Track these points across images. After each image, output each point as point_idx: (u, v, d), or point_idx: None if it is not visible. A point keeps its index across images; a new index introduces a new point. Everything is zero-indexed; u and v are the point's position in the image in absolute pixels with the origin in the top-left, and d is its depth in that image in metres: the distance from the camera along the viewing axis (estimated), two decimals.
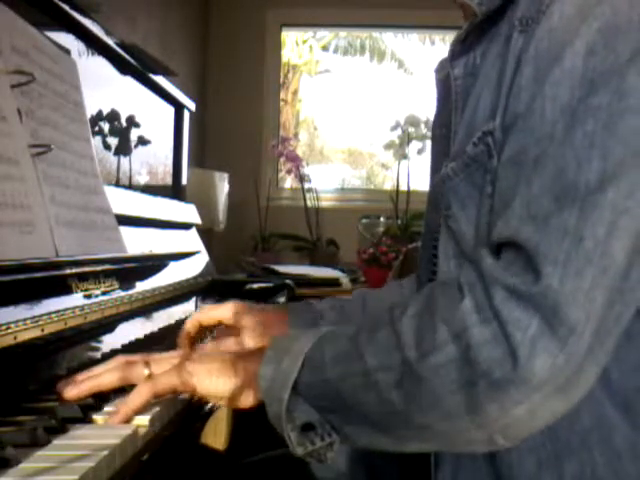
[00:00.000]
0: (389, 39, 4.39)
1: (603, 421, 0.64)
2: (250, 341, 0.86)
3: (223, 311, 0.88)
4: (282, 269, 2.23)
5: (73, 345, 0.86)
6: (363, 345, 0.62)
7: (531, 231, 0.57)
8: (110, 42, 1.26)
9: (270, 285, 1.67)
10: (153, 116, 1.60)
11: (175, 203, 1.64)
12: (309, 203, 2.92)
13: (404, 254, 2.07)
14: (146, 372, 0.71)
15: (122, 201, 1.20)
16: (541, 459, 0.65)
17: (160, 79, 1.55)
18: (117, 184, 1.35)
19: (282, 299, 1.60)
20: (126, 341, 0.96)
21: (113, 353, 0.86)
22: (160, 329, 1.09)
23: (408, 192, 2.75)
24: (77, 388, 0.69)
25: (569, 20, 0.60)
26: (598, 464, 0.64)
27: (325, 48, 4.44)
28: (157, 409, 0.67)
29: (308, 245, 2.93)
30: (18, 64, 0.89)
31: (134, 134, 1.46)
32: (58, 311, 0.79)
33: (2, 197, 0.77)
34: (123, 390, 0.71)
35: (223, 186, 2.61)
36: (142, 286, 1.12)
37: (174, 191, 1.75)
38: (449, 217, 0.71)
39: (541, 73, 0.61)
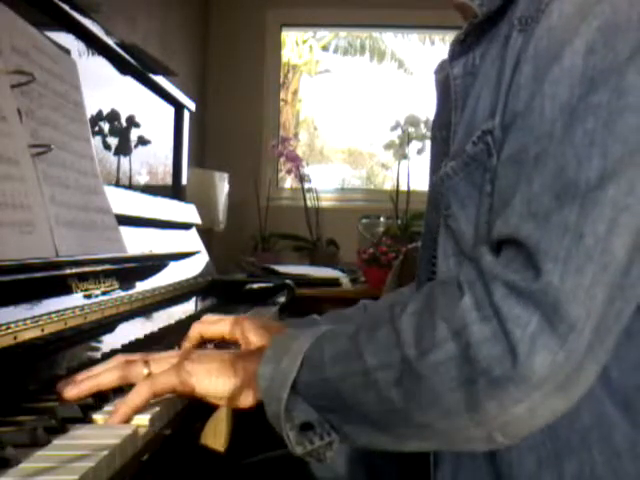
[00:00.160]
0: (389, 39, 4.39)
1: (603, 420, 0.64)
2: (253, 342, 0.85)
3: (224, 326, 0.86)
4: (282, 269, 2.23)
5: (73, 345, 0.86)
6: (362, 344, 0.62)
7: (531, 228, 0.57)
8: (110, 42, 1.26)
9: (270, 285, 1.67)
10: (153, 116, 1.60)
11: (175, 203, 1.64)
12: (309, 203, 2.92)
13: (404, 254, 2.07)
14: (145, 371, 0.71)
15: (122, 201, 1.20)
16: (541, 458, 0.65)
17: (160, 79, 1.55)
18: (117, 184, 1.35)
19: (282, 299, 1.60)
20: (126, 341, 0.96)
21: (113, 353, 0.85)
22: (160, 329, 1.09)
23: (408, 192, 2.75)
24: (77, 388, 0.69)
25: (568, 19, 0.60)
26: (597, 463, 0.64)
27: (325, 48, 4.45)
28: (157, 409, 0.67)
29: (308, 245, 2.93)
30: (18, 64, 0.89)
31: (134, 134, 1.46)
32: (58, 311, 0.80)
33: (2, 197, 0.77)
34: (123, 390, 0.70)
35: (223, 186, 2.61)
36: (142, 286, 1.12)
37: (174, 191, 1.75)
38: (449, 216, 0.71)
39: (540, 72, 0.61)
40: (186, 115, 1.78)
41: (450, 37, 3.02)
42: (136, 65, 1.39)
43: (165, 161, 1.73)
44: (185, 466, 0.79)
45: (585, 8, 0.60)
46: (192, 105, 1.79)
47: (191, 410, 0.76)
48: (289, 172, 2.91)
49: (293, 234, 2.94)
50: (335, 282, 2.31)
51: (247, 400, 0.68)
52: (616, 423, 0.64)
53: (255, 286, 1.66)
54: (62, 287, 0.85)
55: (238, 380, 0.68)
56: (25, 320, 0.72)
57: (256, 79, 3.15)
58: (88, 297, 0.89)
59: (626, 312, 0.58)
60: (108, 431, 0.61)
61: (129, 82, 1.42)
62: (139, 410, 0.66)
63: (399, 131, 2.76)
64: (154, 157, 1.63)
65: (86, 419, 0.64)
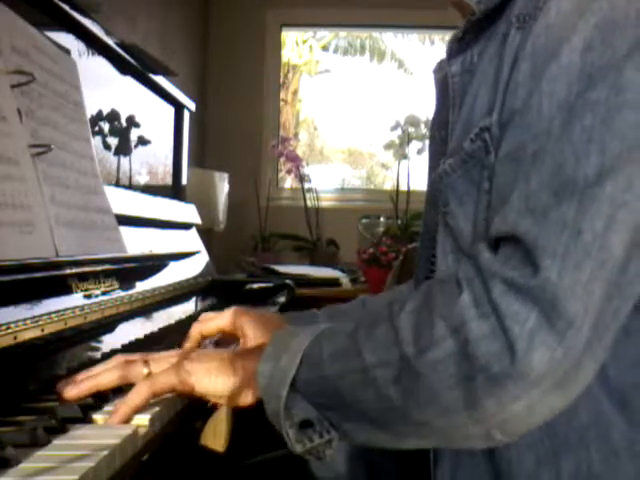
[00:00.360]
0: (389, 39, 4.39)
1: (601, 418, 0.64)
2: (251, 342, 0.85)
3: (222, 319, 0.87)
4: (282, 269, 2.23)
5: (73, 345, 0.86)
6: (361, 341, 0.62)
7: (529, 224, 0.57)
8: (110, 42, 1.26)
9: (270, 285, 1.67)
10: (153, 116, 1.60)
11: (175, 203, 1.64)
12: (309, 203, 2.92)
13: (404, 254, 2.07)
14: (145, 371, 0.71)
15: (122, 201, 1.20)
16: (539, 456, 0.65)
17: (160, 79, 1.55)
18: (117, 184, 1.35)
19: (282, 299, 1.60)
20: (126, 341, 0.96)
21: (113, 353, 0.85)
22: (160, 329, 1.09)
23: (408, 192, 2.75)
24: (77, 388, 0.69)
25: (566, 16, 0.60)
26: (595, 461, 0.64)
27: (325, 48, 4.44)
28: (157, 409, 0.67)
29: (308, 245, 2.93)
30: (18, 64, 0.89)
31: (134, 134, 1.47)
32: (58, 311, 0.80)
33: (2, 197, 0.77)
34: (123, 390, 0.70)
35: (223, 186, 2.61)
36: (142, 286, 1.12)
37: (174, 191, 1.75)
38: (447, 213, 0.71)
39: (538, 69, 0.61)
40: (186, 115, 1.78)
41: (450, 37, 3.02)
42: (136, 65, 1.39)
43: (165, 161, 1.73)
44: (185, 466, 0.79)
45: (583, 5, 0.60)
46: (192, 105, 1.79)
47: (191, 410, 0.76)
48: (289, 172, 2.91)
49: (293, 234, 2.94)
50: (335, 282, 2.31)
51: (247, 398, 0.68)
52: (614, 421, 0.64)
53: (255, 286, 1.66)
54: (62, 287, 0.85)
55: (237, 378, 0.68)
56: (25, 320, 0.72)
57: (256, 79, 3.15)
58: (88, 297, 0.89)
59: (624, 309, 0.58)
60: (108, 431, 0.61)
61: (129, 82, 1.42)
62: (139, 410, 0.66)
63: (399, 131, 2.76)
64: (154, 157, 1.63)
65: (86, 419, 0.64)
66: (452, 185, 0.70)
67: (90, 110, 1.15)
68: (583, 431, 0.64)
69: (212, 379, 0.68)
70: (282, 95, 3.57)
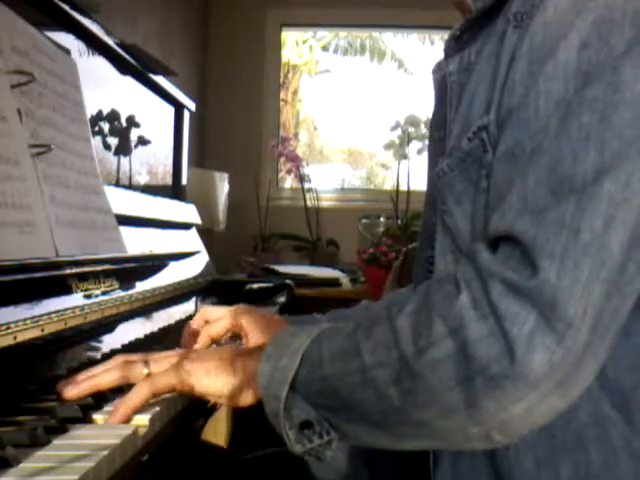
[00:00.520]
0: (389, 39, 4.39)
1: (600, 419, 0.64)
2: (252, 341, 0.86)
3: (226, 319, 0.88)
4: (282, 269, 2.23)
5: (73, 345, 0.86)
6: (361, 342, 0.61)
7: (527, 224, 0.56)
8: (110, 42, 1.26)
9: (270, 285, 1.67)
10: (153, 116, 1.60)
11: (175, 203, 1.64)
12: (309, 203, 2.92)
13: (404, 254, 2.07)
14: (145, 371, 0.71)
15: (122, 201, 1.20)
16: (538, 457, 0.65)
17: (160, 79, 1.55)
18: (117, 184, 1.35)
19: (282, 299, 1.60)
20: (126, 341, 0.96)
21: (113, 353, 0.86)
22: (160, 329, 1.09)
23: (408, 192, 2.75)
24: (77, 388, 0.69)
25: (564, 14, 0.60)
26: (594, 462, 0.64)
27: (325, 48, 4.44)
28: (157, 409, 0.67)
29: (308, 245, 2.93)
30: (18, 64, 0.89)
31: (134, 134, 1.46)
32: (58, 311, 0.79)
33: (2, 197, 0.77)
34: (123, 390, 0.70)
35: (223, 186, 2.61)
36: (142, 286, 1.12)
37: (174, 191, 1.75)
38: (445, 213, 0.71)
39: (535, 67, 0.61)
40: (186, 115, 1.78)
41: None
42: (136, 65, 1.39)
43: (165, 161, 1.73)
44: (185, 466, 0.79)
45: (580, 3, 0.60)
46: (192, 105, 1.79)
47: (191, 410, 0.76)
48: (289, 172, 2.91)
49: (293, 234, 2.94)
50: (335, 282, 2.31)
51: (247, 398, 0.68)
52: (613, 422, 0.64)
53: (255, 286, 1.66)
54: (62, 287, 0.85)
55: (237, 378, 0.68)
56: (25, 320, 0.72)
57: (256, 79, 3.15)
58: (88, 297, 0.89)
59: (624, 309, 0.58)
60: (108, 431, 0.61)
61: (129, 82, 1.42)
62: (139, 410, 0.66)
63: (399, 131, 2.76)
64: (154, 157, 1.63)
65: (86, 419, 0.64)
66: (450, 184, 0.70)
67: (90, 110, 1.15)
68: (582, 432, 0.64)
69: (212, 379, 0.68)
70: (282, 95, 3.57)
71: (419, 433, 0.61)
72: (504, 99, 0.64)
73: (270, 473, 0.94)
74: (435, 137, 0.80)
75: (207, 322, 0.91)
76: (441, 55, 0.80)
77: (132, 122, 1.44)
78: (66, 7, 1.08)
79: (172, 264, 1.37)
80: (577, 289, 0.54)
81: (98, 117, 1.25)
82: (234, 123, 3.09)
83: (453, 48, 0.76)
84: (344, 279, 2.36)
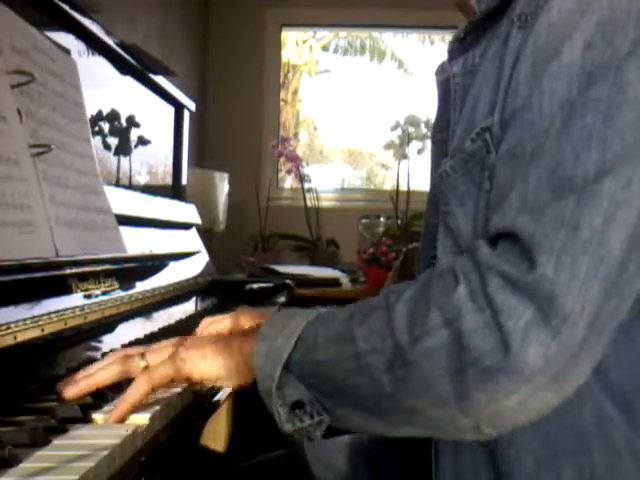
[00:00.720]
0: (389, 39, 4.39)
1: (602, 420, 0.64)
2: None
3: (229, 320, 0.88)
4: (282, 269, 2.23)
5: (73, 345, 0.86)
6: (356, 328, 0.61)
7: (527, 221, 0.56)
8: (110, 42, 1.26)
9: (270, 285, 1.67)
10: (153, 116, 1.60)
11: (175, 203, 1.64)
12: (309, 203, 2.91)
13: (404, 254, 2.07)
14: (142, 364, 0.71)
15: (122, 201, 1.20)
16: (539, 457, 0.65)
17: (160, 79, 1.55)
18: (117, 184, 1.35)
19: (282, 299, 1.60)
20: (126, 341, 0.96)
21: None
22: (160, 329, 1.09)
23: (408, 192, 2.74)
24: (76, 388, 0.69)
25: (568, 15, 0.60)
26: (597, 463, 0.64)
27: (325, 48, 4.44)
28: (157, 409, 0.67)
29: (308, 245, 2.92)
30: (18, 64, 0.89)
31: (134, 134, 1.46)
32: (58, 311, 0.79)
33: (2, 197, 0.77)
34: (122, 387, 0.70)
35: (223, 186, 2.61)
36: (142, 286, 1.12)
37: (174, 191, 1.75)
38: (447, 214, 0.71)
39: (539, 68, 0.61)
40: (186, 115, 1.78)
41: (450, 37, 3.02)
42: (136, 65, 1.39)
43: (165, 161, 1.73)
44: (185, 466, 0.79)
45: (584, 4, 0.60)
46: (192, 105, 1.79)
47: (191, 410, 0.76)
48: (289, 172, 2.91)
49: (293, 234, 2.94)
50: (335, 282, 2.31)
51: (244, 379, 0.68)
52: (615, 423, 0.64)
53: (255, 286, 1.66)
54: (62, 287, 0.85)
55: (234, 360, 0.68)
56: (25, 320, 0.72)
57: (256, 79, 3.14)
58: (88, 297, 0.89)
59: (622, 309, 0.58)
60: (108, 431, 0.61)
61: (129, 82, 1.42)
62: (139, 405, 0.66)
63: (399, 131, 2.76)
64: (154, 157, 1.63)
65: (86, 419, 0.64)
66: (453, 185, 0.70)
67: (90, 110, 1.15)
68: (584, 433, 0.64)
69: (208, 363, 0.69)
70: (282, 95, 3.57)
71: (411, 421, 0.61)
72: (508, 100, 0.63)
73: (270, 478, 0.93)
74: (438, 139, 0.79)
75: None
76: (441, 55, 0.80)
77: (132, 122, 1.44)
78: (66, 7, 1.08)
79: (172, 264, 1.37)
80: (575, 285, 0.54)
81: (98, 117, 1.25)
82: (234, 123, 3.08)
83: (457, 50, 0.76)
84: (344, 279, 2.36)
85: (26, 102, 0.89)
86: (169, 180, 1.74)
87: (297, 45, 4.22)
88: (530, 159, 0.59)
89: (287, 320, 0.67)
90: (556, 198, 0.56)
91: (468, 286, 0.57)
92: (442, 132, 0.77)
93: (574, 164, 0.56)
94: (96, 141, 1.22)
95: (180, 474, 0.74)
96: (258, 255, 2.74)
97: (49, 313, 0.77)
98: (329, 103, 4.03)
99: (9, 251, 0.75)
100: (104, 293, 0.95)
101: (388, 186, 3.51)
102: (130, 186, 1.42)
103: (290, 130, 3.92)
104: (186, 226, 1.63)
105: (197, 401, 0.79)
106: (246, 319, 0.87)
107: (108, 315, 0.94)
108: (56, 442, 0.57)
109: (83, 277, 0.90)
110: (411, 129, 2.74)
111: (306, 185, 2.91)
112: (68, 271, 0.87)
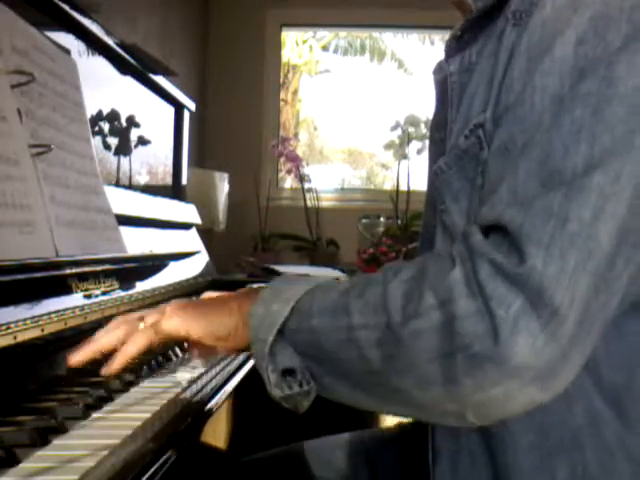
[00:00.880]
0: (389, 39, 4.39)
1: (594, 418, 0.64)
2: None
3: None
4: (282, 269, 2.23)
5: (73, 345, 0.85)
6: (352, 301, 0.62)
7: (515, 212, 0.56)
8: (110, 42, 1.26)
9: None
10: (153, 116, 1.60)
11: (175, 203, 1.64)
12: (309, 203, 2.92)
13: (404, 254, 2.07)
14: (142, 326, 0.72)
15: (122, 201, 1.20)
16: (536, 458, 0.65)
17: (160, 79, 1.55)
18: (117, 184, 1.35)
19: None
20: None
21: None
22: None
23: (408, 192, 2.75)
24: (81, 353, 0.71)
25: (561, 10, 0.60)
26: (590, 463, 0.64)
27: (325, 48, 4.45)
28: (157, 409, 0.68)
29: (308, 245, 2.92)
30: (18, 64, 0.89)
31: (134, 134, 1.46)
32: (58, 311, 0.80)
33: (2, 197, 0.77)
34: (123, 390, 0.71)
35: (223, 186, 2.61)
36: (142, 286, 1.12)
37: (174, 191, 1.75)
38: (443, 212, 0.71)
39: (532, 64, 0.61)
40: (186, 115, 1.78)
41: None
42: (136, 65, 1.39)
43: (165, 161, 1.73)
44: (185, 466, 0.79)
45: (577, 0, 0.60)
46: (192, 105, 1.79)
47: (191, 410, 0.76)
48: (289, 172, 2.91)
49: (293, 234, 2.94)
50: None
51: (240, 340, 0.69)
52: (607, 421, 0.64)
53: (255, 286, 1.65)
54: (62, 287, 0.85)
55: (233, 319, 0.69)
56: (25, 320, 0.72)
57: (256, 79, 3.14)
58: (88, 297, 0.89)
59: (612, 304, 0.57)
60: (108, 431, 0.61)
61: (129, 82, 1.42)
62: (135, 358, 0.68)
63: (399, 131, 2.76)
64: (154, 157, 1.63)
65: (86, 419, 0.64)
66: (447, 182, 0.70)
67: (90, 110, 1.15)
68: (577, 432, 0.64)
69: (207, 320, 0.69)
70: (282, 95, 3.57)
71: (396, 399, 0.61)
72: (502, 96, 0.64)
73: (269, 475, 0.94)
74: (436, 138, 0.79)
75: None
76: (441, 55, 0.80)
77: (132, 122, 1.44)
78: (66, 7, 1.08)
79: (172, 264, 1.37)
80: (564, 278, 0.54)
81: (98, 117, 1.25)
82: (234, 123, 3.08)
83: (454, 48, 0.76)
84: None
85: (26, 102, 0.89)
86: (169, 180, 1.74)
87: (297, 45, 4.22)
88: (520, 152, 0.59)
89: (287, 286, 0.67)
90: (545, 191, 0.56)
91: (463, 269, 0.57)
92: (440, 131, 0.77)
93: (563, 157, 0.56)
94: (96, 141, 1.22)
95: (180, 474, 0.74)
96: (258, 255, 2.74)
97: (49, 313, 0.77)
98: (329, 103, 4.03)
99: (9, 251, 0.75)
100: (104, 293, 0.95)
101: (388, 186, 3.51)
102: (130, 186, 1.42)
103: (290, 130, 3.92)
104: (186, 226, 1.63)
105: (197, 401, 0.79)
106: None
107: (108, 315, 0.94)
108: (56, 442, 0.57)
109: (83, 277, 0.90)
110: (411, 129, 2.74)
111: (306, 185, 2.91)
112: (68, 271, 0.87)
